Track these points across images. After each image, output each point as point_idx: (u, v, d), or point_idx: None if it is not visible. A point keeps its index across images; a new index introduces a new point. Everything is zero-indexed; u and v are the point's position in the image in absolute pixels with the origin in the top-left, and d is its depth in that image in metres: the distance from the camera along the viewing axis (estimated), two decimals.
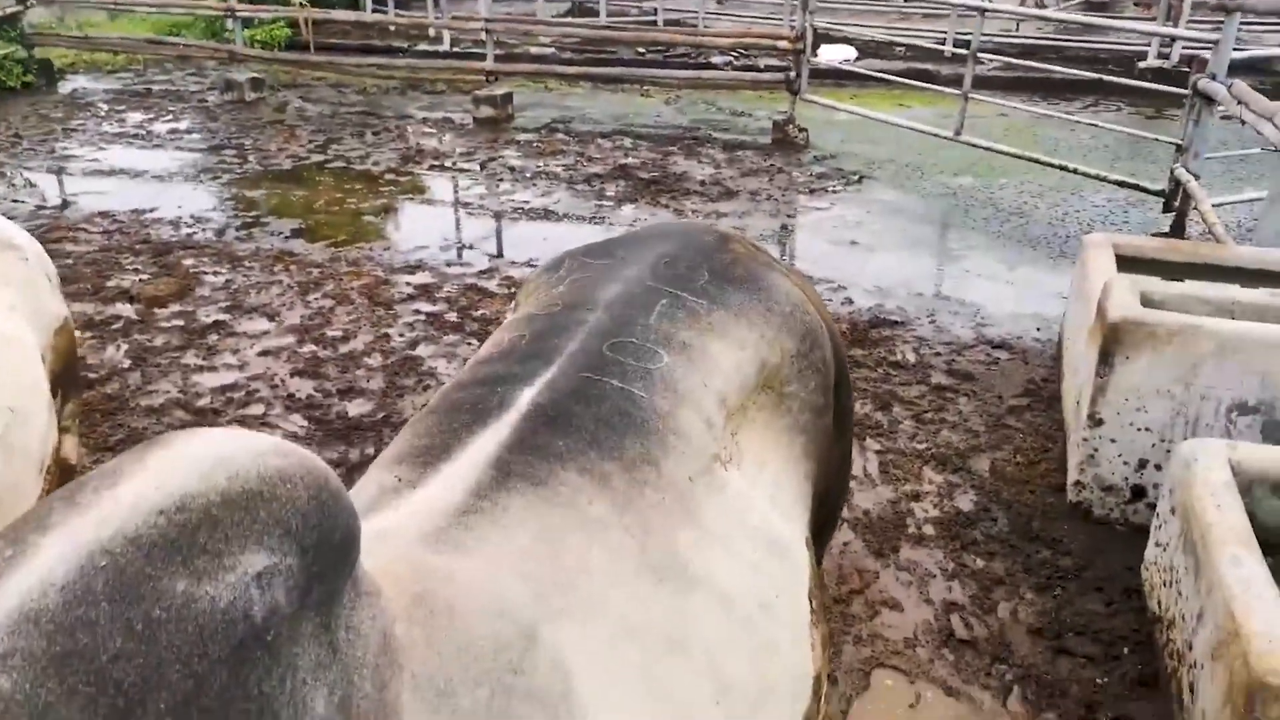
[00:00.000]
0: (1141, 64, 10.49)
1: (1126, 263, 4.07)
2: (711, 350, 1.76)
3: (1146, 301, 3.40)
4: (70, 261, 5.68)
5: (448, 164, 7.98)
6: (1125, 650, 2.65)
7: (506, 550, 1.26)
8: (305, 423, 3.99)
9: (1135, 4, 13.27)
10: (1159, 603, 2.66)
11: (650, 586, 1.37)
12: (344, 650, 0.94)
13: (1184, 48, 10.23)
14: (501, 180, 7.53)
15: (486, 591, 1.19)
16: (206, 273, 5.58)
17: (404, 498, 1.36)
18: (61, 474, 2.52)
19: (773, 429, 1.84)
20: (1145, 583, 2.84)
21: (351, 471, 3.55)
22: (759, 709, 1.45)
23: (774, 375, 1.87)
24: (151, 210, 6.70)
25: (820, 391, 1.97)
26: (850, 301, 5.19)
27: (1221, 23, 6.01)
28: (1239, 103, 5.31)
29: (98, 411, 4.08)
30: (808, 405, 1.93)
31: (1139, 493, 3.21)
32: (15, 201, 6.91)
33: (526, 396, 1.53)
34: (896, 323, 4.91)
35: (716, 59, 11.44)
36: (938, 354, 4.55)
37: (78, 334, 4.79)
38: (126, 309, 5.09)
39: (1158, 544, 2.78)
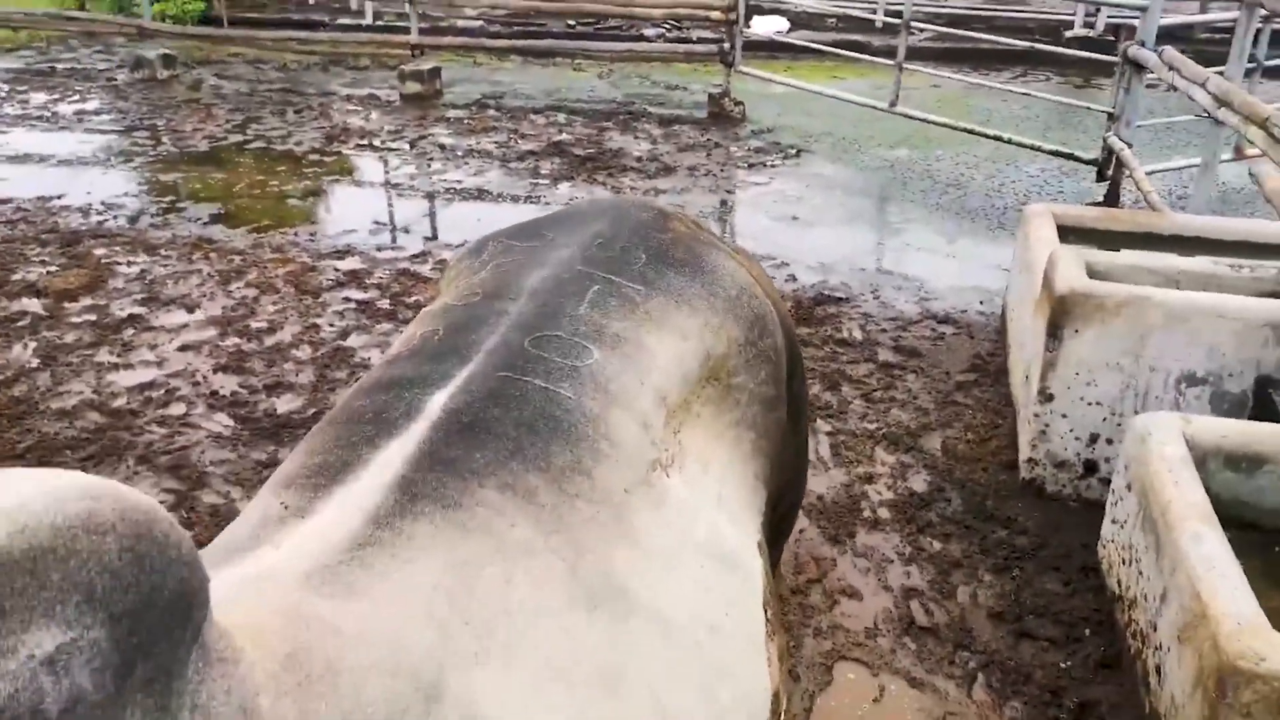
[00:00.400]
0: (1068, 33, 10.59)
1: (1067, 232, 4.06)
2: (648, 342, 1.61)
3: (1092, 272, 3.37)
4: None
5: (375, 143, 7.70)
6: (1086, 631, 2.62)
7: (409, 589, 1.09)
8: (230, 422, 3.78)
9: None
10: (1119, 582, 2.64)
11: (583, 617, 1.22)
12: None
13: (1109, 16, 10.36)
14: (432, 159, 7.29)
15: (380, 643, 1.01)
16: (120, 263, 5.28)
17: (290, 529, 1.17)
18: None
19: (719, 424, 1.70)
20: (1103, 561, 2.82)
21: None
22: None
23: (720, 366, 1.73)
24: (59, 197, 6.32)
25: (771, 382, 1.85)
26: (794, 278, 5.12)
27: None
28: (1170, 69, 5.33)
29: (4, 416, 3.81)
30: (757, 398, 1.80)
31: (1091, 468, 3.20)
32: None
33: (438, 401, 1.36)
34: (841, 299, 4.85)
35: (649, 31, 11.25)
36: (884, 330, 4.50)
37: None
38: (33, 304, 4.78)
39: (1114, 521, 2.76)
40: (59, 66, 10.28)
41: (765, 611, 1.57)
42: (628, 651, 1.25)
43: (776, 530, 2.06)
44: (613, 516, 1.34)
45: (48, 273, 5.12)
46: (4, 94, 9.06)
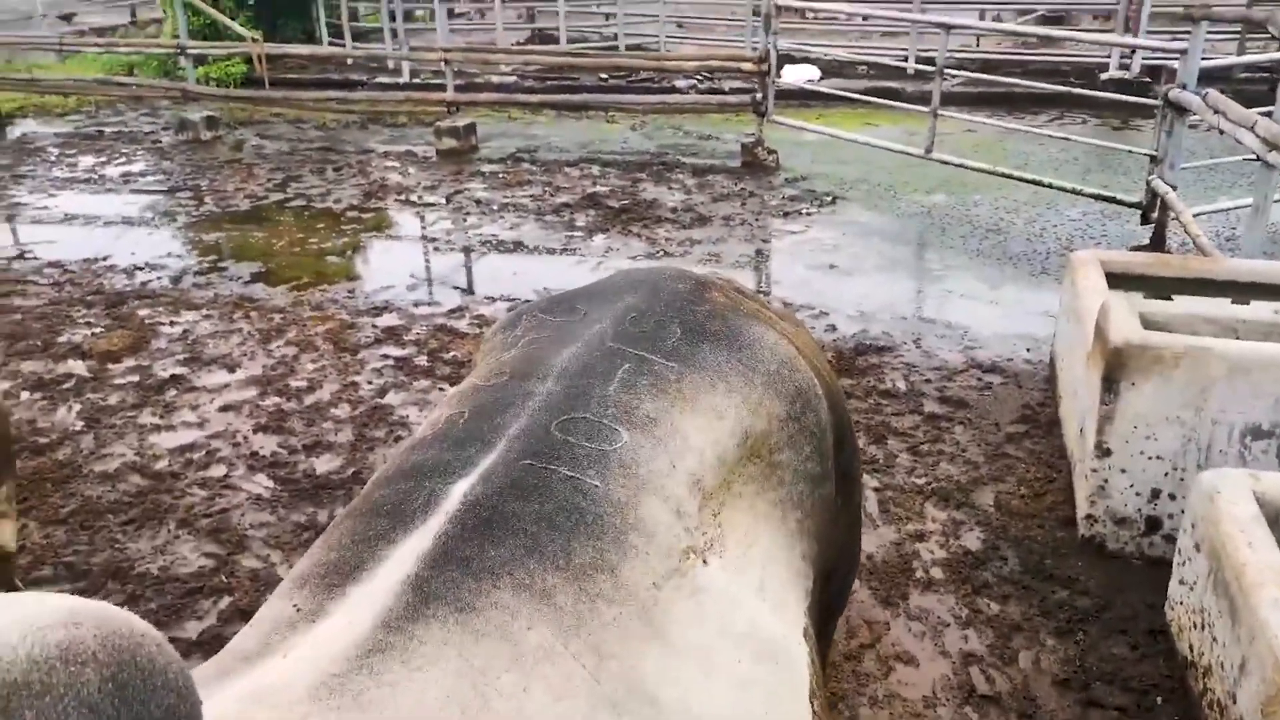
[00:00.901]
0: (1104, 75, 10.53)
1: (1115, 279, 3.96)
2: (682, 423, 1.55)
3: (1147, 323, 3.28)
4: (18, 317, 5.42)
5: (412, 198, 7.78)
6: (1158, 700, 2.49)
7: (420, 701, 1.03)
8: (270, 483, 3.76)
9: (1094, 16, 13.37)
10: (1190, 647, 2.51)
11: None
12: None
13: (1145, 57, 10.29)
14: (468, 214, 7.35)
15: None
16: (162, 323, 5.34)
17: (299, 635, 1.11)
18: None
19: (762, 504, 1.63)
20: (1172, 624, 2.69)
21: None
22: None
23: (761, 443, 1.67)
24: (104, 258, 6.43)
25: (816, 458, 1.77)
26: (834, 328, 5.05)
27: (1183, 32, 5.98)
28: (1215, 112, 5.25)
29: (48, 480, 3.83)
30: (802, 475, 1.72)
31: (1154, 524, 3.07)
32: None
33: (458, 492, 1.30)
34: (883, 348, 4.77)
35: (680, 83, 11.35)
36: (928, 380, 4.41)
37: (25, 395, 4.56)
38: (78, 366, 4.83)
39: (1182, 582, 2.64)
40: (106, 130, 10.56)
41: (812, 704, 1.48)
42: None
43: (829, 608, 1.97)
44: (639, 616, 1.27)
45: (93, 334, 5.19)
46: (54, 158, 9.31)
